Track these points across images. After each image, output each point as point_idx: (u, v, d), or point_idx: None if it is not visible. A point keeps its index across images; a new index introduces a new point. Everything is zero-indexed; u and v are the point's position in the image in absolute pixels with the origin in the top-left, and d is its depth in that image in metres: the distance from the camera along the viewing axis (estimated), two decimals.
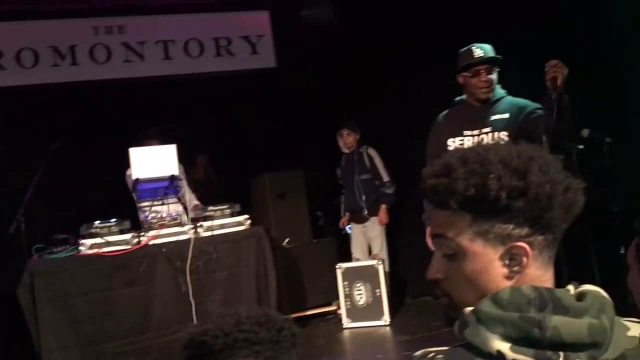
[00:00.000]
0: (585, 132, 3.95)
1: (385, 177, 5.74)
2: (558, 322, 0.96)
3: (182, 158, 5.63)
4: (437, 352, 1.02)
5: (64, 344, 4.11)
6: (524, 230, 1.01)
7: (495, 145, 1.06)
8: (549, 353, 0.96)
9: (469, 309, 1.01)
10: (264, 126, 6.48)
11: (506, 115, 3.26)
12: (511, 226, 1.01)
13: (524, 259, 1.01)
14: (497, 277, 1.03)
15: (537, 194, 0.98)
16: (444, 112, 3.49)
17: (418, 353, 1.05)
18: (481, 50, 3.34)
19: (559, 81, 2.88)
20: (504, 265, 1.03)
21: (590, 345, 0.97)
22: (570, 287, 1.05)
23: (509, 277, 1.03)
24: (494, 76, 3.33)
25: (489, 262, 1.03)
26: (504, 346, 0.97)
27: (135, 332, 4.32)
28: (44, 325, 4.08)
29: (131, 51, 6.25)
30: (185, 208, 5.14)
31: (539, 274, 1.03)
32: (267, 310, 1.38)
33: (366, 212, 5.77)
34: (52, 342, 4.08)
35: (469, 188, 1.01)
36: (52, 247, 4.40)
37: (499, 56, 3.34)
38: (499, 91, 3.39)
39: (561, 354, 0.96)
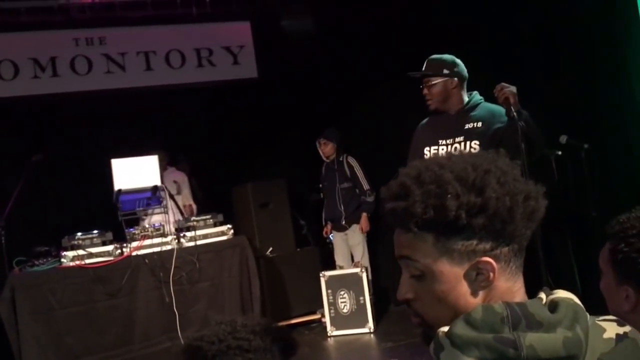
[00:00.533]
0: (563, 139, 4.03)
1: (366, 186, 5.77)
2: (533, 341, 0.95)
3: (185, 165, 5.67)
4: None
5: (46, 356, 4.07)
6: (488, 245, 1.00)
7: (451, 160, 1.05)
8: None
9: (443, 330, 1.00)
10: (246, 136, 6.49)
11: (479, 124, 3.29)
12: (475, 242, 1.00)
13: (491, 274, 1.01)
14: (466, 294, 1.02)
15: (497, 207, 0.98)
16: (425, 120, 3.53)
17: None
18: (427, 62, 3.41)
19: (512, 100, 3.03)
20: (472, 282, 1.02)
21: (566, 358, 0.96)
22: (542, 296, 1.05)
23: (478, 293, 1.02)
24: (435, 89, 3.35)
25: (456, 280, 1.02)
26: None
27: (119, 344, 4.29)
28: (25, 338, 4.04)
29: (112, 62, 6.23)
30: (182, 214, 5.15)
31: (509, 285, 1.03)
32: (265, 319, 1.41)
33: (344, 222, 5.81)
34: (33, 355, 4.04)
35: (427, 210, 0.99)
36: (33, 259, 4.36)
37: (418, 73, 3.38)
38: (476, 97, 3.42)
39: None
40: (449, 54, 3.43)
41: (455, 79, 3.36)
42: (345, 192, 5.82)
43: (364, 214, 5.74)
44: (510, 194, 0.99)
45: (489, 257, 1.00)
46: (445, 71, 3.36)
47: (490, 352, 0.95)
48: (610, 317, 1.09)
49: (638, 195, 3.79)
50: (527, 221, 1.01)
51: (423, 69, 3.42)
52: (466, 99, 3.40)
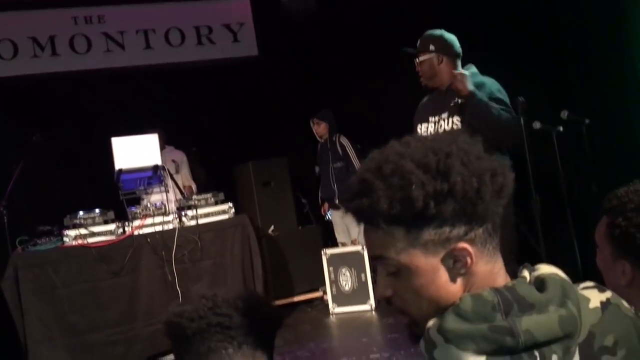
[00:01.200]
0: (564, 114, 3.99)
1: (357, 165, 5.78)
2: (529, 324, 0.93)
3: (184, 146, 5.66)
4: None
5: (50, 335, 4.11)
6: (462, 229, 0.97)
7: (410, 146, 1.00)
8: (525, 356, 0.93)
9: (432, 324, 0.96)
10: (247, 114, 6.47)
11: (504, 110, 3.22)
12: (447, 229, 0.97)
13: (468, 259, 0.98)
14: (445, 284, 0.99)
15: (465, 190, 0.95)
16: (425, 97, 3.52)
17: None
18: (420, 39, 3.38)
19: (459, 86, 3.11)
20: (450, 270, 0.99)
21: (563, 337, 0.95)
22: (526, 274, 1.03)
23: (457, 280, 0.99)
24: (423, 66, 3.33)
25: (433, 271, 0.99)
26: None
27: (122, 322, 4.33)
28: (29, 317, 4.07)
29: (111, 41, 6.19)
30: (182, 193, 5.15)
31: (489, 268, 1.01)
32: (248, 292, 1.34)
33: (337, 201, 5.83)
34: (37, 334, 4.08)
35: (393, 205, 0.95)
36: (35, 238, 4.38)
37: (409, 49, 3.35)
38: (469, 70, 3.33)
39: (536, 354, 0.94)
40: (451, 31, 3.39)
41: (443, 55, 3.31)
42: (338, 172, 5.85)
43: None
44: (477, 174, 0.96)
45: (464, 242, 0.97)
46: (432, 47, 3.33)
47: (488, 343, 0.92)
48: (588, 283, 1.08)
49: (639, 170, 3.77)
50: (497, 199, 0.98)
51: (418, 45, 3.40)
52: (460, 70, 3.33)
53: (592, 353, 0.98)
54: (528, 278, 1.02)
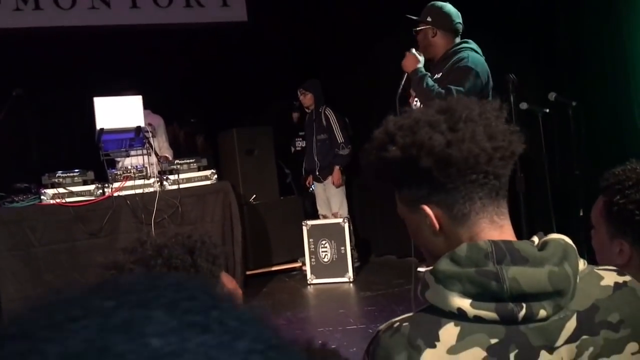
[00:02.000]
0: (551, 96, 3.99)
1: (340, 138, 5.72)
2: (516, 273, 0.96)
3: (162, 110, 5.54)
4: (402, 321, 1.01)
5: (25, 293, 4.07)
6: (425, 191, 1.04)
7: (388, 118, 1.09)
8: (511, 305, 0.96)
9: (428, 268, 1.02)
10: (233, 80, 6.38)
11: (438, 75, 3.24)
12: (414, 190, 1.05)
13: (430, 219, 1.04)
14: (429, 237, 1.07)
15: (405, 158, 1.02)
16: None
17: (382, 326, 1.04)
18: (425, 8, 3.36)
19: (404, 64, 3.28)
20: (426, 226, 1.06)
21: (553, 294, 0.96)
22: (535, 238, 1.05)
23: (436, 236, 1.06)
24: (419, 36, 3.33)
25: (416, 225, 1.08)
26: (464, 302, 0.97)
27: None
28: (4, 274, 4.03)
29: None
30: (158, 158, 5.06)
31: (463, 230, 1.04)
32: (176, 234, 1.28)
33: (317, 173, 5.80)
34: (12, 291, 4.03)
35: (371, 165, 1.09)
36: (12, 195, 4.30)
37: (412, 17, 3.34)
38: (459, 47, 3.28)
39: (524, 305, 0.96)
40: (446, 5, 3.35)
41: (438, 29, 3.27)
42: (321, 144, 5.80)
43: (336, 167, 5.69)
44: (417, 144, 1.00)
45: (426, 203, 1.04)
46: (429, 19, 3.30)
47: (473, 285, 0.96)
48: (611, 267, 1.10)
49: (623, 154, 3.79)
50: (447, 167, 1.00)
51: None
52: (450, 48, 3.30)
53: (591, 324, 0.99)
54: (536, 242, 1.04)
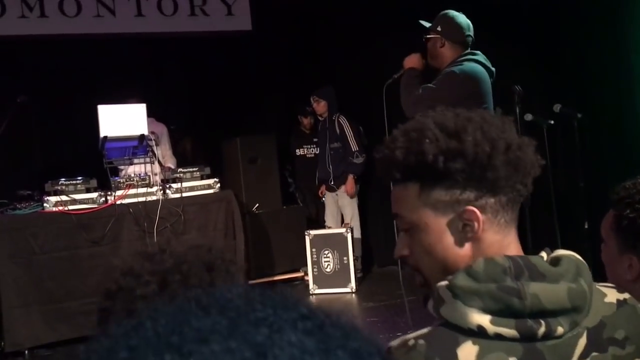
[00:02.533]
0: (556, 107, 3.98)
1: (354, 147, 5.67)
2: (537, 289, 0.94)
3: (165, 119, 5.54)
4: (417, 338, 0.98)
5: (26, 301, 4.06)
6: (472, 194, 1.00)
7: (437, 112, 1.05)
8: (530, 322, 0.95)
9: (443, 283, 0.98)
10: (238, 89, 6.38)
11: (431, 85, 3.21)
12: (458, 191, 1.00)
13: (476, 224, 1.00)
14: (453, 246, 1.02)
15: (476, 153, 0.97)
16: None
17: (394, 343, 1.01)
18: (437, 16, 3.35)
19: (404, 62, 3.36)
20: (458, 232, 1.01)
21: (570, 310, 0.96)
22: (544, 254, 1.05)
23: (464, 245, 1.02)
24: (429, 44, 3.30)
25: (441, 231, 1.02)
26: (484, 319, 0.95)
27: (99, 291, 4.27)
28: (6, 281, 4.01)
29: (102, 5, 6.05)
30: (161, 166, 5.06)
31: (498, 238, 1.02)
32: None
33: (332, 182, 5.77)
34: (13, 299, 4.02)
35: (407, 156, 1.00)
36: (15, 202, 4.30)
37: (424, 23, 3.33)
38: (463, 57, 3.25)
39: (542, 322, 0.95)
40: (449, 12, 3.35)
41: (447, 39, 3.24)
42: (334, 152, 5.76)
43: (350, 176, 5.67)
44: (490, 141, 0.98)
45: (474, 207, 1.00)
46: (439, 28, 3.27)
47: (494, 301, 0.94)
48: (608, 283, 1.10)
49: (627, 167, 3.78)
50: (513, 171, 0.99)
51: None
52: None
53: (600, 340, 1.00)
54: (545, 257, 1.03)
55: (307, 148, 6.27)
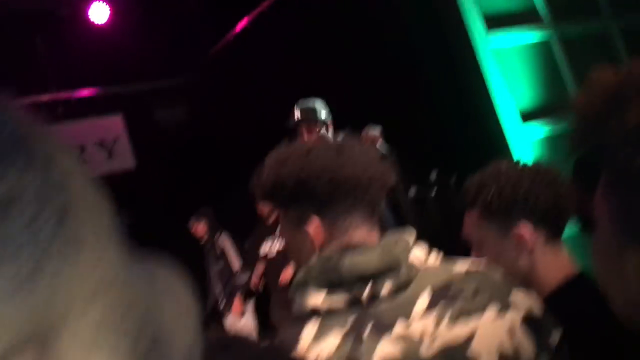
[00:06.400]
0: (432, 175, 4.24)
1: (236, 266, 5.56)
2: (351, 259, 1.06)
3: None
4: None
5: None
6: (312, 209, 1.14)
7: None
8: (354, 290, 1.05)
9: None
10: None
11: None
12: (302, 207, 1.15)
13: (316, 241, 1.14)
14: (309, 252, 1.15)
15: (292, 179, 1.14)
16: None
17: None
18: (302, 111, 3.65)
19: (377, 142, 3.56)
20: (310, 243, 1.15)
21: (387, 271, 1.05)
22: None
23: (313, 251, 1.15)
24: (315, 136, 3.53)
25: (301, 241, 1.17)
26: (317, 299, 1.07)
27: None
28: None
29: None
30: None
31: (345, 235, 1.13)
32: None
33: (222, 307, 5.55)
34: None
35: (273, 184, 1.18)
36: None
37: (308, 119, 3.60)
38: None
39: (366, 286, 1.05)
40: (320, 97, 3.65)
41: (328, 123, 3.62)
42: (220, 275, 5.61)
43: (237, 296, 5.46)
44: (310, 172, 1.14)
45: (314, 220, 1.15)
46: (321, 117, 3.63)
47: (320, 282, 1.08)
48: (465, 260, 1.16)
49: None
50: (335, 188, 1.12)
51: (299, 117, 3.59)
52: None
53: (446, 294, 1.03)
54: None
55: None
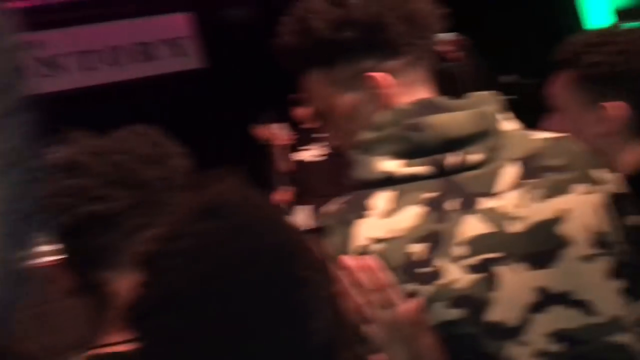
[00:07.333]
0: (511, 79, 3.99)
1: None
2: (436, 120, 0.92)
3: None
4: (336, 205, 0.96)
5: None
6: (373, 60, 0.96)
7: None
8: (439, 155, 0.91)
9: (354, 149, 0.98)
10: (200, 129, 6.29)
11: None
12: (358, 61, 0.97)
13: (383, 90, 0.96)
14: (366, 115, 0.98)
15: (365, 16, 0.94)
16: None
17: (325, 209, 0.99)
18: None
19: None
20: (371, 103, 0.97)
21: (478, 135, 0.92)
22: None
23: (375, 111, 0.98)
24: None
25: (356, 107, 0.99)
26: (391, 165, 0.92)
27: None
28: None
29: (48, 65, 5.97)
30: None
31: (410, 100, 0.97)
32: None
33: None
34: None
35: (299, 38, 0.97)
36: None
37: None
38: None
39: (452, 153, 0.92)
40: None
41: None
42: None
43: None
44: (376, 1, 0.95)
45: (377, 72, 0.96)
46: None
47: (397, 143, 0.92)
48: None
49: None
50: (409, 27, 0.95)
51: None
52: None
53: (533, 169, 0.95)
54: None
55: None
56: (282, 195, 5.50)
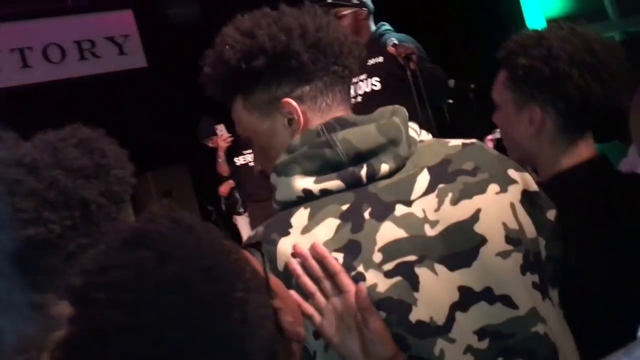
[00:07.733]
0: (451, 83, 4.11)
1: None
2: (346, 134, 0.97)
3: None
4: (258, 229, 1.00)
5: None
6: (287, 87, 1.01)
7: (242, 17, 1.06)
8: (351, 168, 0.96)
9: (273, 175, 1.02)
10: (140, 127, 6.22)
11: (380, 59, 3.10)
12: (273, 88, 1.01)
13: (296, 115, 1.01)
14: (284, 139, 1.03)
15: (273, 45, 0.98)
16: None
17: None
18: None
19: (414, 57, 2.93)
20: (286, 128, 1.02)
21: (387, 145, 0.97)
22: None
23: (292, 135, 1.03)
24: (345, 21, 3.02)
25: (272, 133, 1.04)
26: (307, 182, 0.96)
27: None
28: None
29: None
30: None
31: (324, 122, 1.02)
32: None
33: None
34: None
35: (215, 68, 1.02)
36: None
37: (338, 1, 3.08)
38: (382, 28, 3.22)
39: (364, 164, 0.96)
40: None
41: (365, 9, 3.14)
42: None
43: None
44: (285, 29, 0.99)
45: (290, 99, 1.01)
46: (355, 0, 3.12)
47: (310, 161, 0.96)
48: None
49: None
50: (318, 53, 1.00)
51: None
52: (373, 29, 3.20)
53: (445, 174, 1.00)
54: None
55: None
56: (225, 187, 5.56)
